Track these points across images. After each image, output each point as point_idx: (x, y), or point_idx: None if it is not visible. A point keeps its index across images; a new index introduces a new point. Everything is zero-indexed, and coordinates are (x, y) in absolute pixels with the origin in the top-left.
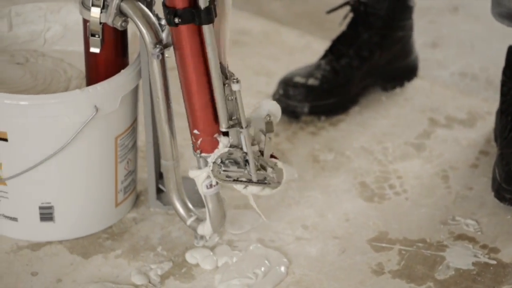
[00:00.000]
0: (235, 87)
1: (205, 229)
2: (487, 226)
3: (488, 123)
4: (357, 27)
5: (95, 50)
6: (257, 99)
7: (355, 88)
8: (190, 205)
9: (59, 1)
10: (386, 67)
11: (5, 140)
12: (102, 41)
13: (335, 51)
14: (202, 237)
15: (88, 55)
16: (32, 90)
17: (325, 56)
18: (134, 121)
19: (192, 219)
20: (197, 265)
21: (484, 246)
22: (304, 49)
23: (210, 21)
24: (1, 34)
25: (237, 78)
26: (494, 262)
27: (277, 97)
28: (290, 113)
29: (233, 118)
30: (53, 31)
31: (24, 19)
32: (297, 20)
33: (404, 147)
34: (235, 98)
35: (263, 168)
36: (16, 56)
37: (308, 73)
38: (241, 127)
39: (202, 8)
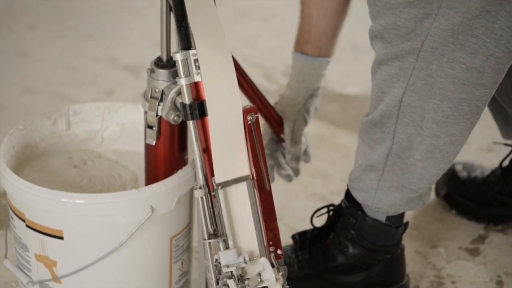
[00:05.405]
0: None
1: None
2: None
3: None
4: None
5: (150, 142)
6: (312, 201)
7: None
8: None
9: (117, 102)
10: None
11: (61, 238)
12: (158, 134)
13: None
14: None
15: (147, 149)
16: None
17: None
18: (190, 222)
19: None
20: None
21: None
22: None
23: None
24: (59, 133)
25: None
26: None
27: None
28: None
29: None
30: (110, 130)
31: (82, 118)
32: (353, 123)
33: (459, 252)
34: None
35: None
36: (74, 158)
37: None
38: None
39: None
